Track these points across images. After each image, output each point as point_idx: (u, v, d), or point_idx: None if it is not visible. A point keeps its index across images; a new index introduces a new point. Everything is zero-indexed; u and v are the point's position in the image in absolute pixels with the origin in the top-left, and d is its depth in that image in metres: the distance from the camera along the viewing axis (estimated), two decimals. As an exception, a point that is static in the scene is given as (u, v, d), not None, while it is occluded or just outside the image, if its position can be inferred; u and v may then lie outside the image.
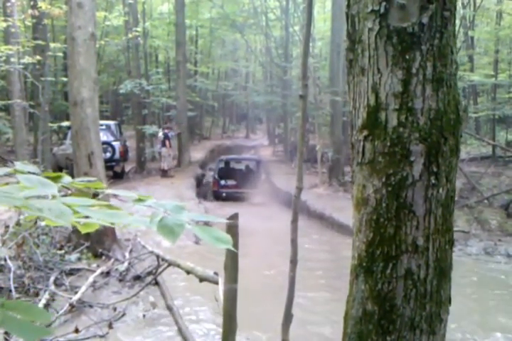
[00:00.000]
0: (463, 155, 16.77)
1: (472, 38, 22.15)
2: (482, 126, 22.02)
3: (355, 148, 2.09)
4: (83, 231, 1.64)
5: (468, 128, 20.67)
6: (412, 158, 1.89)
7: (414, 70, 1.92)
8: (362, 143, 2.02)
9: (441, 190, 1.92)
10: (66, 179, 1.57)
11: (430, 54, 1.92)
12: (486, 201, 12.97)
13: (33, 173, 1.43)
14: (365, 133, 2.01)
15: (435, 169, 1.90)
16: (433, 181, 1.90)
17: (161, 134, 19.77)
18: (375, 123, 1.97)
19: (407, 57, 1.92)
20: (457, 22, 20.59)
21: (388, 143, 1.93)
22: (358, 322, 2.01)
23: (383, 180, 1.93)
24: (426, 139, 1.90)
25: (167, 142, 19.41)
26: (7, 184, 1.35)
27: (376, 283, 1.94)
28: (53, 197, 1.32)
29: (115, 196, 1.79)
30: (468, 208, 12.67)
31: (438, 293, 1.94)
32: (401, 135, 1.91)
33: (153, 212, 1.43)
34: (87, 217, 1.62)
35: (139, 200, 1.58)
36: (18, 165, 1.48)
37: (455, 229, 11.41)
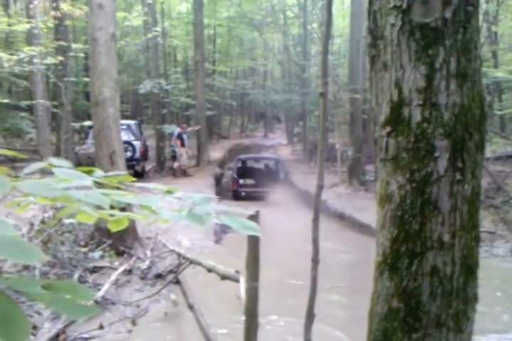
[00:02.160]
0: (488, 154, 16.46)
1: (496, 33, 21.82)
2: (507, 123, 21.67)
3: (378, 144, 2.07)
4: (113, 228, 1.67)
5: (493, 126, 20.41)
6: (436, 154, 1.88)
7: (437, 65, 1.90)
8: (385, 139, 2.01)
9: (466, 186, 1.90)
10: (98, 173, 1.59)
11: (454, 49, 1.90)
12: (512, 201, 12.75)
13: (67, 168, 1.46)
14: (389, 129, 2.00)
15: (460, 165, 1.89)
16: (458, 177, 1.88)
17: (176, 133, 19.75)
18: (398, 119, 1.96)
19: (431, 52, 1.91)
20: (480, 17, 20.44)
21: (412, 139, 1.92)
22: (383, 319, 2.00)
23: (407, 176, 1.92)
24: (450, 135, 1.88)
25: (178, 142, 19.34)
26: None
27: (401, 279, 1.93)
28: (89, 188, 1.35)
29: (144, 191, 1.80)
30: (494, 208, 12.44)
31: (464, 291, 1.93)
32: (425, 130, 1.90)
33: (183, 203, 1.47)
34: (111, 215, 1.64)
35: (168, 192, 1.60)
36: (53, 159, 1.50)
37: (481, 229, 11.31)
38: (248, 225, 1.43)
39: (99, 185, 1.59)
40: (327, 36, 4.86)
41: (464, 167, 1.89)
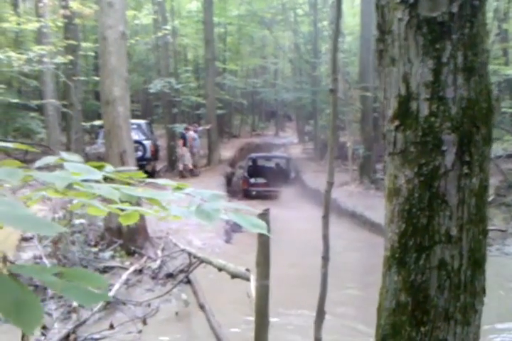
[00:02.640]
0: (499, 151, 16.39)
1: (506, 30, 21.64)
2: (519, 121, 21.48)
3: (387, 139, 2.08)
4: (124, 222, 1.69)
5: (504, 123, 20.27)
6: (444, 148, 1.88)
7: (444, 59, 1.90)
8: (393, 133, 2.02)
9: (474, 180, 1.90)
10: (109, 168, 1.61)
11: (461, 43, 1.91)
12: (523, 199, 12.66)
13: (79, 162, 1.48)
14: (397, 123, 2.00)
15: (468, 158, 1.89)
16: (466, 171, 1.88)
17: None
18: (406, 113, 1.97)
19: (438, 46, 1.91)
20: (491, 15, 20.21)
21: (420, 133, 1.92)
22: (391, 314, 2.00)
23: (415, 170, 1.92)
24: (458, 128, 1.88)
25: (180, 142, 19.34)
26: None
27: (409, 274, 1.93)
28: (100, 182, 1.37)
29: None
30: (506, 206, 12.37)
31: (472, 284, 1.93)
32: (432, 124, 1.90)
33: (192, 199, 1.48)
34: (122, 210, 1.66)
35: (178, 188, 1.62)
36: (64, 154, 1.52)
37: (492, 227, 11.24)
38: (256, 223, 1.44)
39: (110, 180, 1.61)
40: (336, 33, 4.85)
41: (471, 160, 1.89)
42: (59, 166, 1.44)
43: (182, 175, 18.85)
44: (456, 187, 1.88)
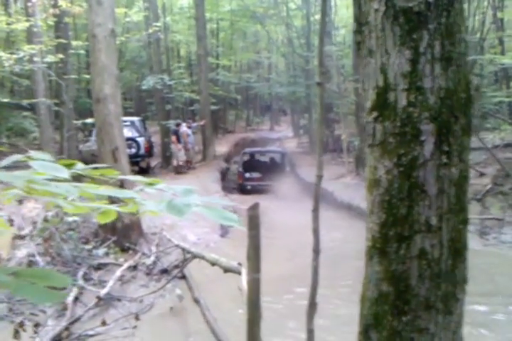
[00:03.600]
0: (497, 141, 16.42)
1: (502, 19, 21.58)
2: (516, 110, 21.46)
3: (366, 130, 2.08)
4: (101, 220, 1.69)
5: (501, 113, 20.24)
6: (422, 138, 1.88)
7: (422, 49, 1.90)
8: (372, 125, 2.02)
9: (453, 170, 1.90)
10: (79, 166, 1.61)
11: (438, 33, 1.90)
12: (520, 187, 12.67)
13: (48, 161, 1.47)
14: (375, 114, 2.00)
15: (446, 148, 1.89)
16: (445, 160, 1.88)
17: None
18: (384, 104, 1.97)
19: (415, 36, 1.91)
20: (485, 3, 20.15)
21: (398, 124, 1.92)
22: (373, 304, 2.01)
23: (394, 160, 1.92)
24: (436, 118, 1.88)
25: (174, 138, 19.33)
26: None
27: (390, 263, 1.94)
28: (64, 180, 1.36)
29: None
30: (503, 195, 12.38)
31: (453, 273, 1.93)
32: (411, 115, 1.90)
33: (163, 194, 1.48)
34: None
35: (150, 184, 1.62)
36: (33, 153, 1.51)
37: (489, 216, 11.28)
38: (228, 216, 1.44)
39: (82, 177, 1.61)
40: (323, 25, 4.84)
41: (450, 150, 1.89)
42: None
43: (178, 171, 18.85)
44: (435, 176, 1.88)
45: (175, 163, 19.19)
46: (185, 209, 1.39)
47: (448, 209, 1.90)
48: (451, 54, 1.92)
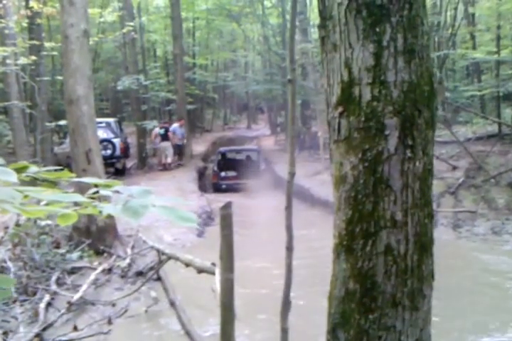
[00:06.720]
0: (469, 134, 16.59)
1: (473, 14, 21.78)
2: (487, 104, 21.71)
3: (331, 126, 2.06)
4: (62, 223, 1.63)
5: (473, 107, 20.43)
6: (386, 132, 1.86)
7: (385, 43, 1.89)
8: (337, 120, 2.00)
9: (417, 164, 1.89)
10: (32, 169, 1.56)
11: (400, 25, 1.89)
12: (492, 180, 12.76)
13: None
14: (340, 109, 1.98)
15: (410, 142, 1.87)
16: (409, 154, 1.87)
17: (157, 129, 19.76)
18: (349, 99, 1.95)
19: (378, 30, 1.89)
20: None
21: (363, 118, 1.90)
22: (341, 302, 1.98)
23: (360, 156, 1.90)
24: (400, 112, 1.87)
25: (158, 139, 19.42)
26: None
27: (357, 261, 1.91)
28: (7, 184, 1.31)
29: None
30: (475, 188, 12.50)
31: (419, 268, 1.91)
32: (375, 109, 1.88)
33: (118, 196, 1.44)
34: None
35: (107, 186, 1.57)
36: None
37: (461, 209, 11.38)
38: (185, 216, 1.40)
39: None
40: (293, 23, 4.81)
41: (414, 144, 1.87)
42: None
43: (165, 168, 19.14)
44: (400, 171, 1.86)
45: (163, 160, 19.26)
46: (142, 211, 1.34)
47: (413, 203, 1.88)
48: (413, 46, 1.91)
